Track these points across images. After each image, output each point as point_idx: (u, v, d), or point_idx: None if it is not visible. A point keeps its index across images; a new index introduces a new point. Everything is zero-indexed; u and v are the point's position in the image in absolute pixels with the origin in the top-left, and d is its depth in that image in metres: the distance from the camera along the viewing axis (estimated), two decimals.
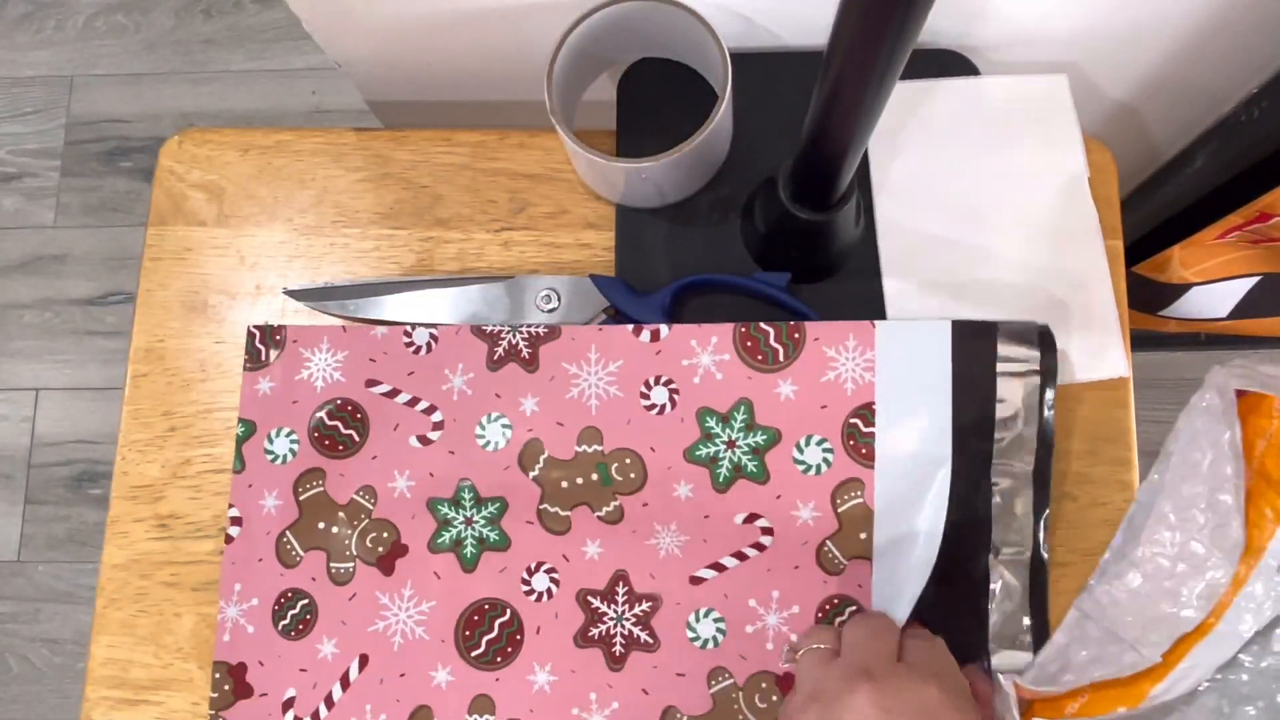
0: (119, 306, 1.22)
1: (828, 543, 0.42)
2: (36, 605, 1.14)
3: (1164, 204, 0.59)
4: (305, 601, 0.44)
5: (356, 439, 0.45)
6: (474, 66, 0.53)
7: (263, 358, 0.46)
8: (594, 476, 0.44)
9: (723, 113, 0.41)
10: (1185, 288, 0.60)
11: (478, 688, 0.42)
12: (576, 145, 0.42)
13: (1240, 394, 0.39)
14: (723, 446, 0.43)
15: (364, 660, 0.43)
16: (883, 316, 0.44)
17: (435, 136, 0.50)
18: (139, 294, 0.49)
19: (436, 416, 0.45)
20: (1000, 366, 0.42)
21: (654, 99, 0.47)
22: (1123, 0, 0.46)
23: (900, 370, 0.42)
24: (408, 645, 0.43)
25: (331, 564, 0.44)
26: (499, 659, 0.43)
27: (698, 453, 0.43)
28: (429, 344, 0.45)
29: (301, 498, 0.45)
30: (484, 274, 0.47)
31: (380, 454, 0.45)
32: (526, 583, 0.43)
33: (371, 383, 0.45)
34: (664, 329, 0.44)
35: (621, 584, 0.43)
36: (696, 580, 0.43)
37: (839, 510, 0.42)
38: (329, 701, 0.43)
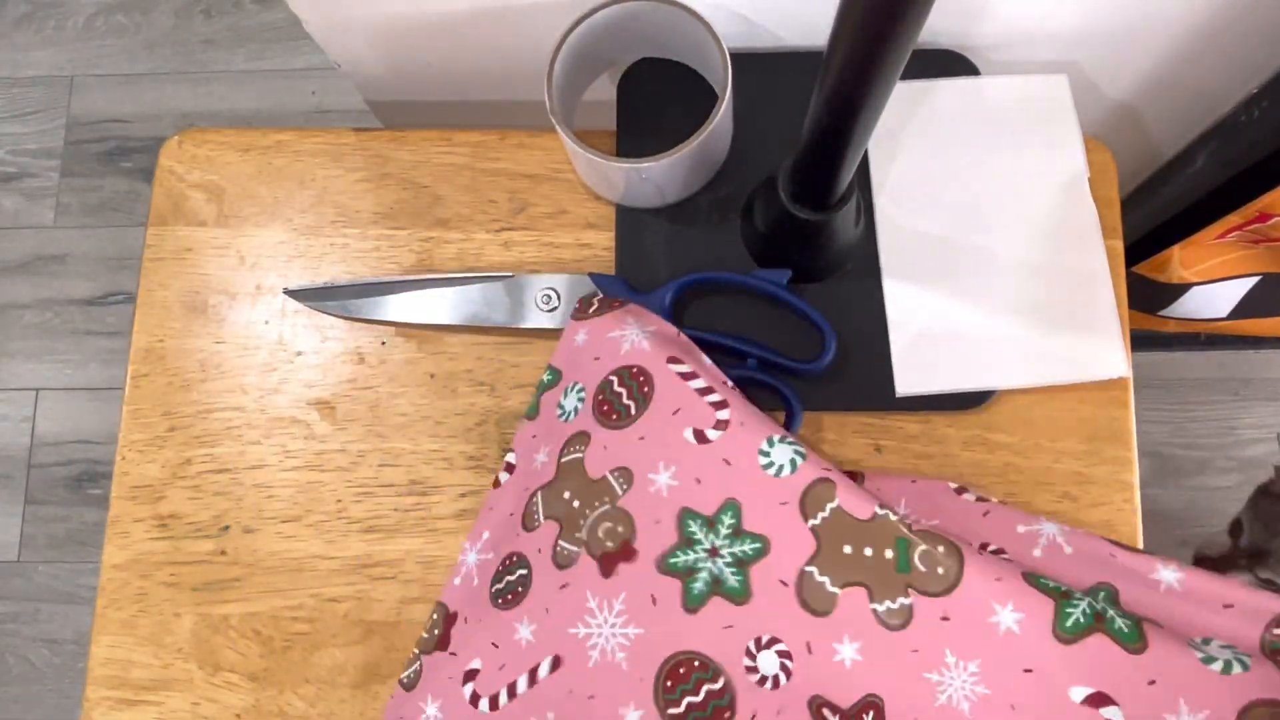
0: (119, 306, 1.22)
1: None
2: (36, 605, 1.14)
3: (1164, 204, 0.59)
4: (524, 572, 0.38)
5: (633, 412, 0.38)
6: (474, 66, 0.53)
7: (590, 311, 0.42)
8: (888, 554, 0.34)
9: (723, 113, 0.41)
10: (1185, 288, 0.60)
11: None
12: (576, 145, 0.42)
13: None
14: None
15: (556, 662, 0.37)
16: (883, 316, 0.44)
17: (435, 136, 0.50)
18: (139, 294, 0.49)
19: (724, 414, 0.37)
20: None
21: (654, 99, 0.47)
22: (1123, 0, 0.46)
23: None
24: (604, 666, 0.36)
25: (560, 541, 0.38)
26: None
27: (1043, 581, 0.32)
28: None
29: (563, 459, 0.39)
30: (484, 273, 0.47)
31: (649, 436, 0.38)
32: (751, 655, 0.35)
33: (674, 360, 0.39)
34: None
35: (871, 715, 0.33)
36: None
37: None
38: (512, 690, 0.37)
